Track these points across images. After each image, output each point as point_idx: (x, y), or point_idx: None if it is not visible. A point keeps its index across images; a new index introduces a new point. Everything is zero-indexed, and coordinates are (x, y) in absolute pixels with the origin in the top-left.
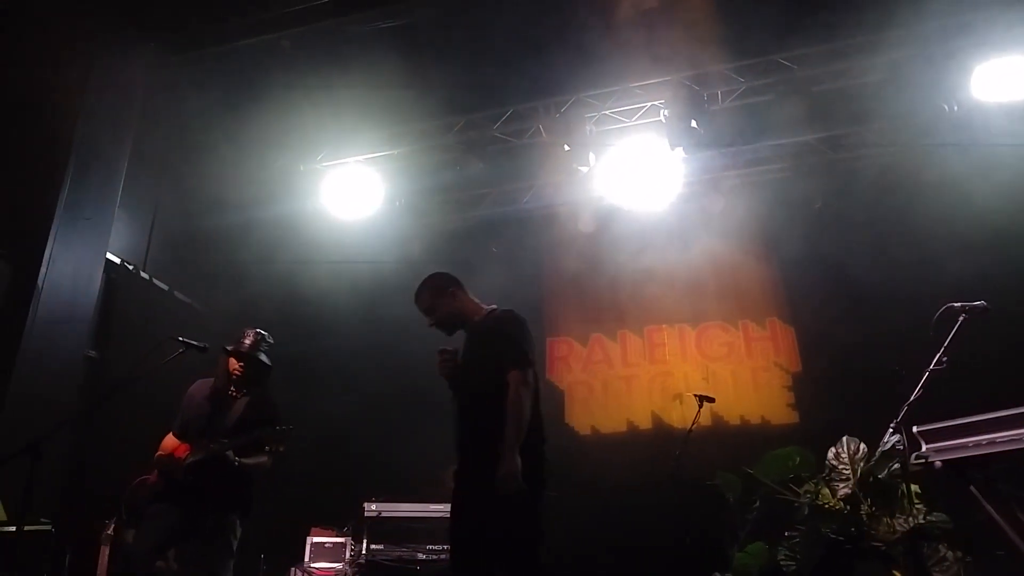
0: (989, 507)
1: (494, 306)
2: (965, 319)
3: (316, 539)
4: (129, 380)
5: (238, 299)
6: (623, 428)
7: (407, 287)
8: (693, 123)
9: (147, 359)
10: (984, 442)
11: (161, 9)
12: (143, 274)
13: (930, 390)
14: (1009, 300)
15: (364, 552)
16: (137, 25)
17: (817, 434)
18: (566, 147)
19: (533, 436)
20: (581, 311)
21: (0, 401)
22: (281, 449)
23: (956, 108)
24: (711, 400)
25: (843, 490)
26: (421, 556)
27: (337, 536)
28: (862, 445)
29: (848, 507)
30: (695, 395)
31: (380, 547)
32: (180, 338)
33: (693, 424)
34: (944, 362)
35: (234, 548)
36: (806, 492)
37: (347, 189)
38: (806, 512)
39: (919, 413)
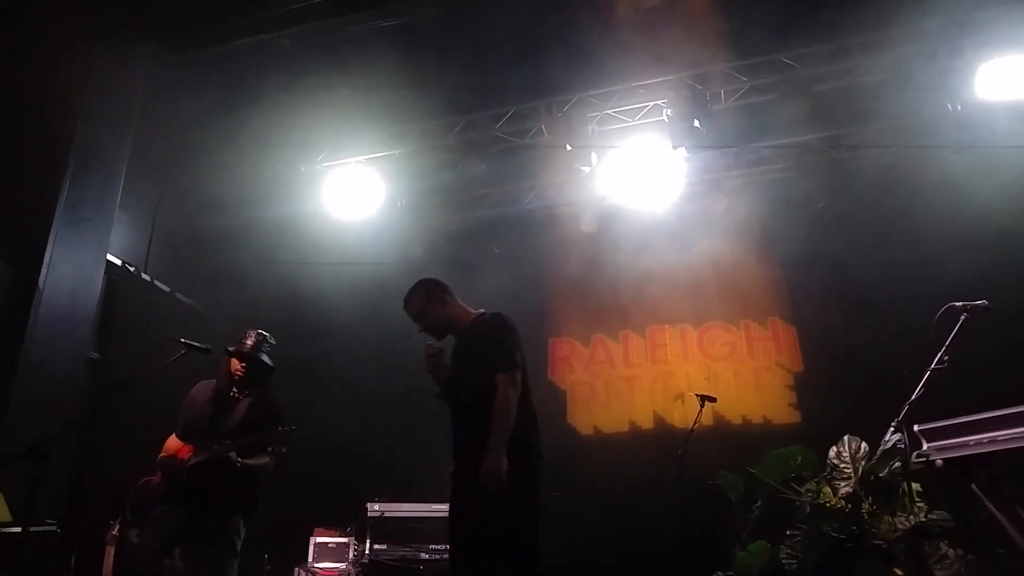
0: (991, 505)
1: (483, 310)
2: (967, 318)
3: (319, 539)
4: (131, 381)
5: (239, 300)
6: (625, 428)
7: (408, 288)
8: (696, 122)
9: (149, 360)
10: (985, 440)
11: (161, 9)
12: (144, 275)
13: (931, 389)
14: (1010, 299)
15: (367, 552)
16: (137, 25)
17: (819, 433)
18: (568, 147)
19: (526, 437)
20: (583, 311)
21: (3, 403)
22: (284, 450)
23: (960, 107)
24: (713, 400)
25: (845, 489)
26: (424, 556)
27: (340, 536)
28: (863, 444)
29: (850, 506)
30: (697, 395)
31: (383, 547)
32: (182, 339)
33: (695, 424)
34: (945, 361)
35: (238, 548)
36: (808, 491)
37: (348, 190)
38: (808, 511)
39: (920, 412)
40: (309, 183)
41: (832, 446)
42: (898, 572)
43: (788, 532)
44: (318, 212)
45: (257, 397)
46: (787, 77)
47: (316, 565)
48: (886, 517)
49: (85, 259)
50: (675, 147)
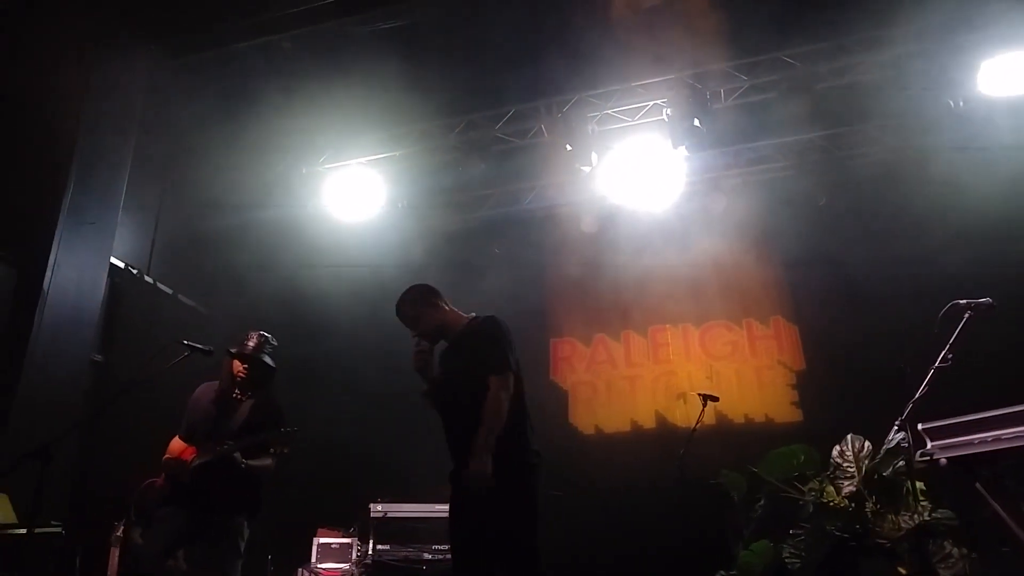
0: (995, 504)
1: (474, 314)
2: (971, 316)
3: (322, 540)
4: (135, 383)
5: (241, 302)
6: (627, 428)
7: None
8: (696, 122)
9: (152, 362)
10: (990, 439)
11: (162, 11)
12: (147, 278)
13: (935, 387)
14: (1014, 297)
15: (370, 552)
16: (138, 28)
17: (821, 432)
18: (568, 147)
19: (520, 436)
20: (584, 311)
21: (7, 405)
22: (286, 451)
23: (962, 104)
24: (715, 399)
25: (848, 488)
26: (427, 556)
27: (343, 537)
28: (867, 443)
29: (853, 505)
30: (699, 394)
31: (386, 547)
32: (185, 341)
33: (697, 423)
34: (949, 359)
35: (242, 550)
36: (811, 490)
37: (349, 191)
38: (811, 510)
39: (924, 410)
40: (310, 185)
41: (834, 445)
42: (902, 571)
43: (791, 531)
44: (319, 214)
45: (260, 398)
46: (787, 75)
47: (319, 566)
48: (890, 516)
49: (89, 262)
50: (675, 146)
